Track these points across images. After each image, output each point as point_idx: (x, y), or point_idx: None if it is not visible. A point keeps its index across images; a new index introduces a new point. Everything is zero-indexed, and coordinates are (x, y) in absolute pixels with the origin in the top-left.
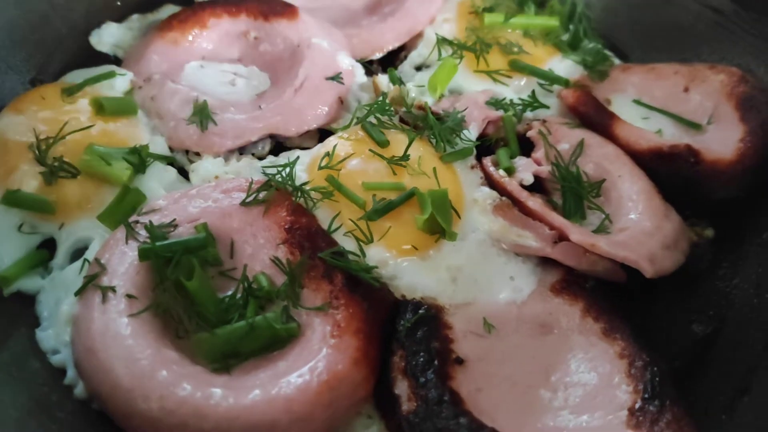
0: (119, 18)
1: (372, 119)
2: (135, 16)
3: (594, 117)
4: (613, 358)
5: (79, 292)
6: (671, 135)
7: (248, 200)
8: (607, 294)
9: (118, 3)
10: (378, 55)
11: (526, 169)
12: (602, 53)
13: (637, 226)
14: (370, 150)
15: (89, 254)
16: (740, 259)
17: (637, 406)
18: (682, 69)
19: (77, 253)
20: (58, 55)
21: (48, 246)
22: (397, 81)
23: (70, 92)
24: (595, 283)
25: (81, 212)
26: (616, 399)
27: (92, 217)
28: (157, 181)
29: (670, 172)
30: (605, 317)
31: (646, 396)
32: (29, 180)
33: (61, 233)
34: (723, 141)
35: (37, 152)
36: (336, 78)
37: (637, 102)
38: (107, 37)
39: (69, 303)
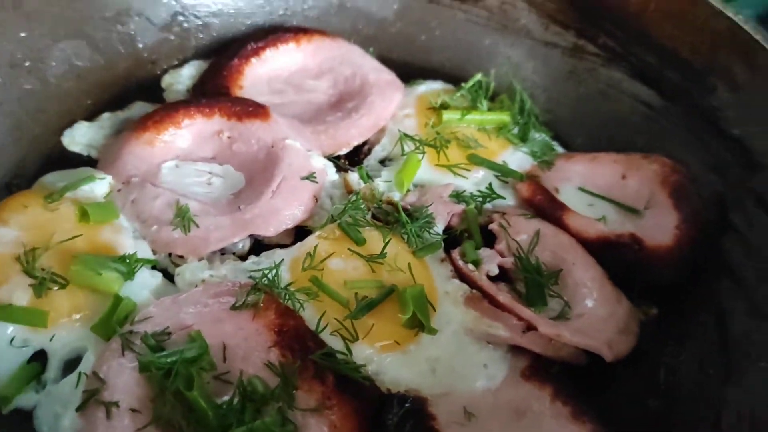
0: (90, 117)
1: (347, 218)
2: (106, 115)
3: (547, 209)
4: None
5: (80, 407)
6: (614, 220)
7: (238, 305)
8: (571, 378)
9: (89, 102)
10: (344, 151)
11: (491, 261)
12: (548, 144)
13: (594, 312)
14: (349, 249)
15: (84, 367)
16: (683, 336)
17: None
18: (620, 158)
19: (69, 364)
20: (31, 157)
21: (38, 358)
22: (366, 178)
23: (52, 199)
24: (560, 367)
25: (72, 323)
26: None
27: (84, 328)
28: (145, 287)
29: (617, 258)
30: (572, 401)
31: None
32: (20, 293)
33: (52, 345)
34: (661, 227)
35: (25, 264)
36: (310, 177)
37: (582, 189)
38: (79, 137)
39: (70, 418)
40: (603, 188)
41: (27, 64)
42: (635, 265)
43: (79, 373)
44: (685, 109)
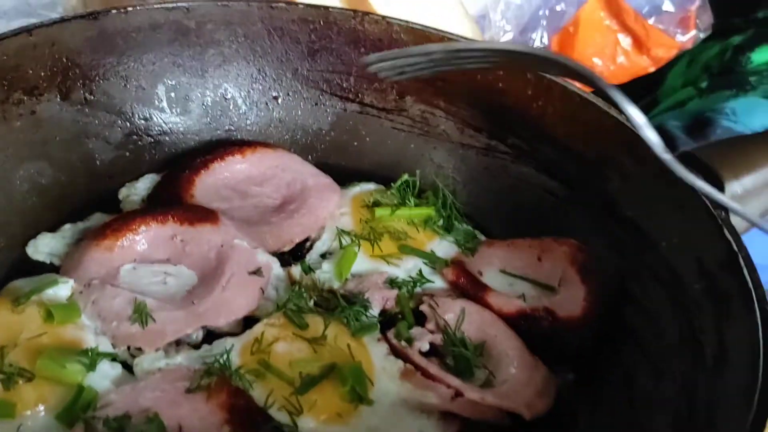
0: (52, 228)
1: (292, 307)
2: (67, 226)
3: (470, 289)
4: None
5: None
6: (532, 298)
7: (193, 387)
8: None
9: (51, 214)
10: (288, 247)
11: (422, 338)
12: (471, 233)
13: (515, 378)
14: (294, 333)
15: None
16: (595, 396)
17: None
18: (534, 242)
19: None
20: None
21: None
22: (308, 270)
23: (18, 302)
24: (489, 428)
25: (38, 413)
26: None
27: (49, 417)
28: (106, 377)
29: (534, 329)
30: None
31: None
32: None
33: None
34: (571, 300)
35: None
36: (257, 272)
37: (503, 272)
38: (42, 246)
39: None
40: (521, 269)
41: None
42: (550, 335)
43: None
44: (585, 197)
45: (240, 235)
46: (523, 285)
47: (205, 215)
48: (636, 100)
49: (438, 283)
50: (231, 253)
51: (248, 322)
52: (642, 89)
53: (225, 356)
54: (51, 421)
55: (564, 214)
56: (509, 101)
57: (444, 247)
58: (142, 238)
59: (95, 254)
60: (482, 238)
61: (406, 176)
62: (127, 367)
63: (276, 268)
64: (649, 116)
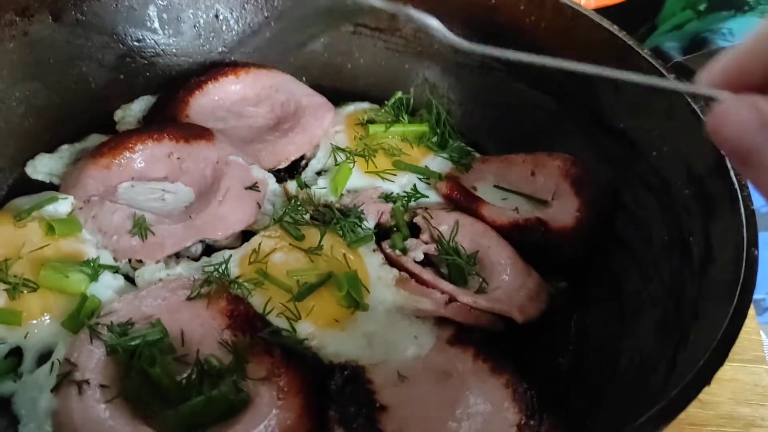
0: (50, 149)
1: (288, 219)
2: (65, 146)
3: (464, 202)
4: (501, 389)
5: (55, 389)
6: (525, 211)
7: (193, 295)
8: (491, 341)
9: (48, 136)
10: (284, 165)
11: (416, 249)
12: (465, 149)
13: (508, 285)
14: (290, 243)
15: (56, 355)
16: (588, 302)
17: (522, 422)
18: (528, 158)
19: (42, 357)
20: None
21: (14, 354)
22: (303, 186)
23: (20, 218)
24: (480, 334)
25: (43, 321)
26: (506, 420)
27: (55, 325)
28: (109, 288)
29: (527, 240)
30: (491, 359)
31: (528, 413)
32: None
33: (27, 341)
34: (565, 212)
35: None
36: (253, 187)
37: (497, 186)
38: (41, 166)
39: (46, 399)
40: (515, 184)
41: None
42: (544, 245)
43: (53, 362)
44: (577, 111)
45: (235, 151)
46: (517, 199)
47: (201, 132)
48: (636, 26)
49: (432, 197)
50: (226, 169)
51: (246, 237)
52: (641, 15)
53: (224, 265)
54: (57, 328)
55: (557, 129)
56: (502, 18)
57: (438, 163)
58: (139, 156)
59: (93, 172)
60: (476, 155)
61: (399, 94)
62: (129, 280)
63: (272, 183)
64: (647, 39)
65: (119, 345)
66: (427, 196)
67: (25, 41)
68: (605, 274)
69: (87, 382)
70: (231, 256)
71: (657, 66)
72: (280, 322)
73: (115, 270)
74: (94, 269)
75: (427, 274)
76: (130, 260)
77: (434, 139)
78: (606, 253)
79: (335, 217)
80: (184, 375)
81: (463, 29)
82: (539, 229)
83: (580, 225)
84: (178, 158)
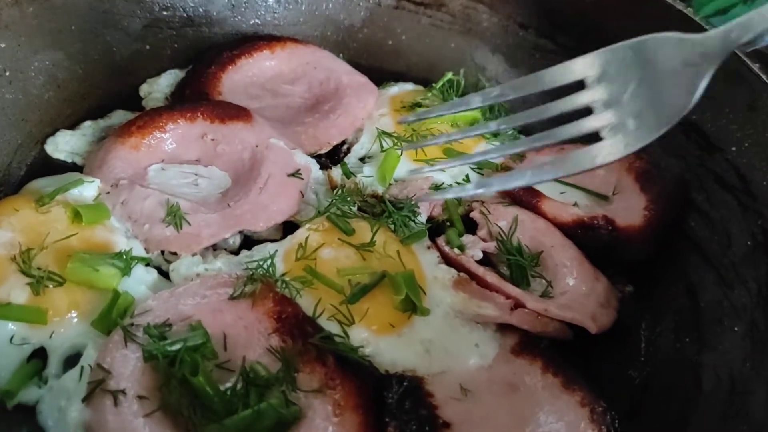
0: (72, 125)
1: (335, 211)
2: (87, 123)
3: (523, 196)
4: (576, 407)
5: (86, 398)
6: (584, 206)
7: (236, 294)
8: (559, 352)
9: (69, 111)
10: (325, 150)
11: (474, 247)
12: (518, 138)
13: (575, 289)
14: (339, 239)
15: (85, 360)
16: (659, 310)
17: None
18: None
19: (69, 360)
20: (15, 165)
21: (38, 355)
22: (350, 174)
23: (43, 202)
24: (548, 342)
25: (71, 319)
26: None
27: (83, 324)
28: (142, 283)
29: (591, 239)
30: (562, 372)
31: None
32: (18, 292)
33: (52, 342)
34: (630, 209)
35: (21, 264)
36: (296, 174)
37: (554, 180)
38: (62, 144)
39: (77, 409)
40: (573, 177)
41: (7, 74)
42: (609, 245)
43: (82, 366)
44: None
45: (276, 134)
46: (576, 194)
47: (237, 112)
48: None
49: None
50: (267, 154)
51: (287, 229)
52: None
53: (269, 261)
54: (85, 327)
55: None
56: None
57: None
58: (170, 137)
59: (121, 152)
60: None
61: (450, 75)
62: (163, 274)
63: (315, 170)
64: None
65: (157, 350)
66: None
67: (46, 5)
68: (677, 279)
69: (123, 392)
70: (276, 251)
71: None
72: (331, 327)
73: (147, 263)
74: (126, 262)
75: (490, 276)
76: (163, 252)
77: None
78: (677, 255)
79: (387, 209)
80: (228, 384)
81: (516, 6)
82: (605, 228)
83: (649, 224)
84: (213, 140)
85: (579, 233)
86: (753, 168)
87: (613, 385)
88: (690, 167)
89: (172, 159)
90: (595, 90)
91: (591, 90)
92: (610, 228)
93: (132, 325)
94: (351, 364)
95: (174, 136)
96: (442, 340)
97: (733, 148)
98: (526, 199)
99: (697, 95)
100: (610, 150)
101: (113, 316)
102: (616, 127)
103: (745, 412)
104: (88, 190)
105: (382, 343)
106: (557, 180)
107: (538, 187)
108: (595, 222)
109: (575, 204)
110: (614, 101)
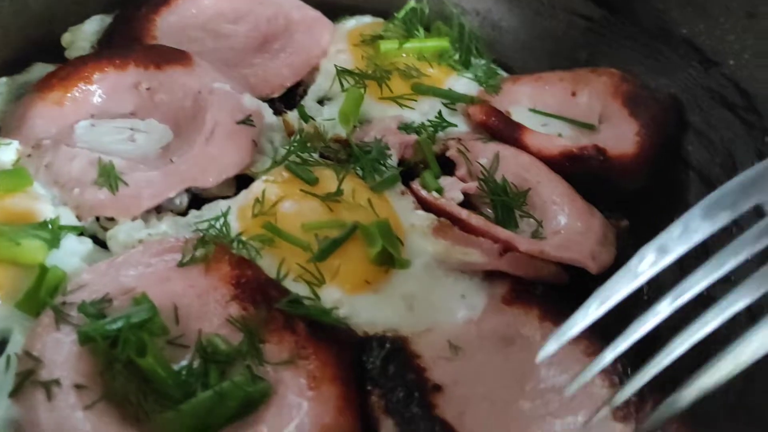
0: None
1: (294, 159)
2: (3, 80)
3: (504, 130)
4: (581, 357)
5: (14, 393)
6: (570, 137)
7: (185, 260)
8: (556, 297)
9: None
10: (278, 93)
11: (454, 188)
12: (492, 68)
13: (569, 227)
14: (302, 189)
15: (12, 348)
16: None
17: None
18: (566, 75)
19: None
20: None
21: None
22: (308, 118)
23: None
24: (544, 288)
25: None
26: (594, 396)
27: (6, 306)
28: (75, 255)
29: (582, 171)
30: (562, 320)
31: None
32: None
33: None
34: (621, 137)
35: None
36: (246, 121)
37: (534, 111)
38: None
39: (3, 407)
40: (554, 107)
41: None
42: (601, 177)
43: (8, 356)
44: (627, 17)
45: (220, 77)
46: (558, 125)
47: (175, 56)
48: None
49: (461, 126)
50: (212, 99)
51: (241, 184)
52: None
53: (222, 220)
54: (9, 310)
55: (600, 41)
56: None
57: (463, 85)
58: (98, 88)
59: (42, 109)
60: (503, 74)
61: (412, 3)
62: (99, 243)
63: (268, 115)
64: None
65: (95, 330)
66: (456, 125)
67: None
68: (677, 208)
69: (57, 382)
70: (229, 208)
71: None
72: (299, 289)
73: (80, 232)
74: (53, 233)
75: (475, 219)
76: (98, 218)
77: (456, 56)
78: (676, 183)
79: (354, 154)
80: (183, 363)
81: None
82: (597, 158)
83: (642, 151)
84: (148, 89)
85: (567, 166)
86: (755, 81)
87: (616, 329)
88: (684, 86)
89: (103, 113)
90: None
91: None
92: (602, 158)
93: (64, 303)
94: (324, 329)
95: (103, 88)
96: (424, 294)
97: (731, 62)
98: (507, 133)
99: None
100: None
101: (41, 295)
102: None
103: None
104: (5, 153)
105: (358, 302)
106: (535, 110)
107: (519, 119)
108: (585, 152)
109: (559, 135)
110: None
